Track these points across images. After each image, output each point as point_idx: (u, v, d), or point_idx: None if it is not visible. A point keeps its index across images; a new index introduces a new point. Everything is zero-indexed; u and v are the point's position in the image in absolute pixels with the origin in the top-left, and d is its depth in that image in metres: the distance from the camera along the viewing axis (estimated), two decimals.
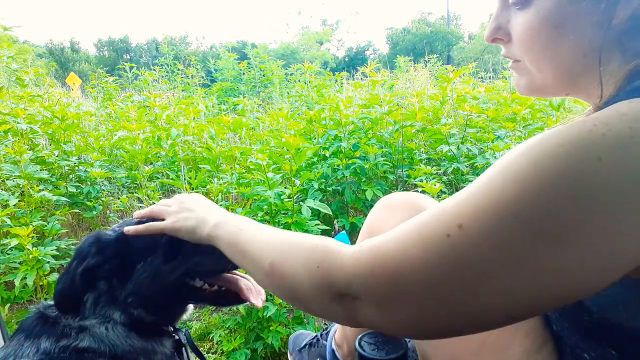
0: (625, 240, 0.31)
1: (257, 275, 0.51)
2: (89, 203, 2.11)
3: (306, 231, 1.62)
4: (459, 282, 0.35)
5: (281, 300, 1.44)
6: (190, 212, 0.64)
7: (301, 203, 1.66)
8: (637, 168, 0.31)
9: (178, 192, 2.24)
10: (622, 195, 0.31)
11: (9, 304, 1.53)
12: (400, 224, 0.69)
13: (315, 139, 2.07)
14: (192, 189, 2.05)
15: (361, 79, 5.19)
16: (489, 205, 0.34)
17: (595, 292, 0.34)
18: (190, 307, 0.75)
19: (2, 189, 1.86)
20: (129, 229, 0.65)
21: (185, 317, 0.74)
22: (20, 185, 1.84)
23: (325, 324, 1.03)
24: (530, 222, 0.32)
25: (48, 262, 1.55)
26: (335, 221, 1.97)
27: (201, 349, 1.41)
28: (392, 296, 0.38)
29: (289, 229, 1.62)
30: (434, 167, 1.92)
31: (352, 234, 1.63)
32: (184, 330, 0.73)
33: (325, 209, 1.65)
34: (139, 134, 2.18)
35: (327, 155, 2.02)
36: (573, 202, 0.31)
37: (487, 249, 0.34)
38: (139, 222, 0.67)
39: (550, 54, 0.43)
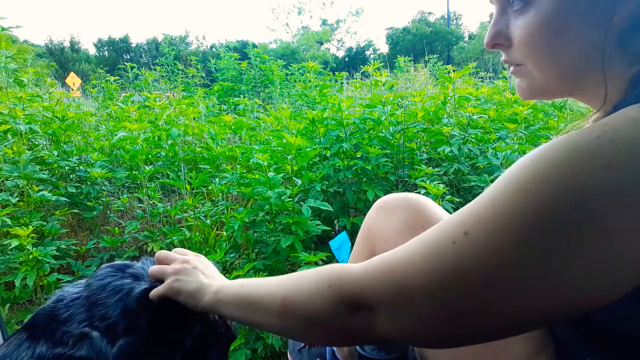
0: (636, 249, 0.30)
1: (268, 320, 0.49)
2: (89, 203, 2.11)
3: (307, 231, 1.61)
4: (464, 288, 0.35)
5: None
6: (191, 275, 0.59)
7: (302, 203, 1.65)
8: None
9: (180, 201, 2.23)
10: (632, 203, 0.30)
11: (9, 304, 1.53)
12: (398, 224, 0.69)
13: (317, 138, 2.07)
14: (193, 189, 2.05)
15: (361, 78, 5.19)
16: (495, 214, 0.34)
17: (606, 303, 0.33)
18: None
19: (1, 190, 1.86)
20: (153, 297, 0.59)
21: None
22: (20, 186, 1.84)
23: None
24: (537, 232, 0.32)
25: (48, 263, 1.55)
26: (335, 221, 1.97)
27: None
28: (401, 304, 0.38)
29: (289, 229, 1.62)
30: (435, 168, 1.91)
31: (353, 234, 1.62)
32: None
33: (327, 207, 1.65)
34: (139, 134, 2.18)
35: (328, 155, 2.02)
36: (580, 212, 0.31)
37: (493, 255, 0.33)
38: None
39: (552, 56, 0.42)
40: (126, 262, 0.64)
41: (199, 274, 0.59)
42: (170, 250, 0.67)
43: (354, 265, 0.44)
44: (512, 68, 0.48)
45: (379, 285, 0.40)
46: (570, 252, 0.31)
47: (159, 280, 0.60)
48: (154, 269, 0.62)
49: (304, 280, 0.47)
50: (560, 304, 0.33)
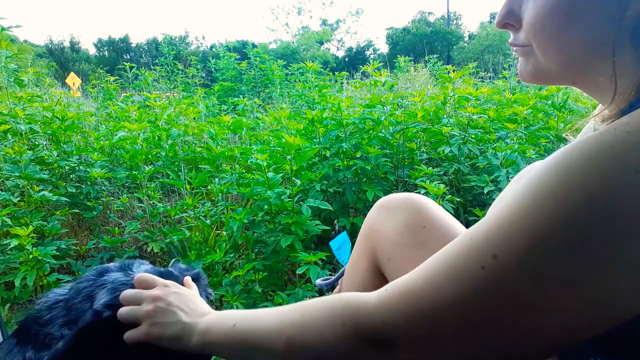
0: None
1: None
2: (89, 203, 2.11)
3: (307, 231, 1.61)
4: (499, 315, 0.33)
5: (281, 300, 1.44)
6: (169, 316, 0.53)
7: (301, 203, 1.65)
8: None
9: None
10: None
11: (9, 304, 1.53)
12: (399, 224, 0.69)
13: (317, 138, 2.07)
14: (193, 189, 2.05)
15: (361, 78, 5.20)
16: (522, 231, 0.33)
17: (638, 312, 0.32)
18: None
19: (2, 189, 1.86)
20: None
21: None
22: (20, 186, 1.84)
23: None
24: (568, 246, 0.30)
25: (48, 263, 1.55)
26: (335, 221, 1.97)
27: None
28: (431, 338, 0.36)
29: (289, 229, 1.62)
30: (435, 168, 1.91)
31: (353, 234, 1.62)
32: None
33: (326, 207, 1.65)
34: (139, 134, 2.18)
35: (328, 155, 2.02)
36: (612, 221, 0.29)
37: (526, 277, 0.32)
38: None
39: (559, 41, 0.41)
40: (107, 265, 0.63)
41: (177, 311, 0.54)
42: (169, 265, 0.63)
43: (369, 295, 0.41)
44: (518, 48, 0.47)
45: (401, 317, 0.37)
46: (606, 263, 0.30)
47: (133, 324, 0.54)
48: (124, 313, 0.55)
49: (312, 317, 0.43)
50: (598, 317, 0.32)
